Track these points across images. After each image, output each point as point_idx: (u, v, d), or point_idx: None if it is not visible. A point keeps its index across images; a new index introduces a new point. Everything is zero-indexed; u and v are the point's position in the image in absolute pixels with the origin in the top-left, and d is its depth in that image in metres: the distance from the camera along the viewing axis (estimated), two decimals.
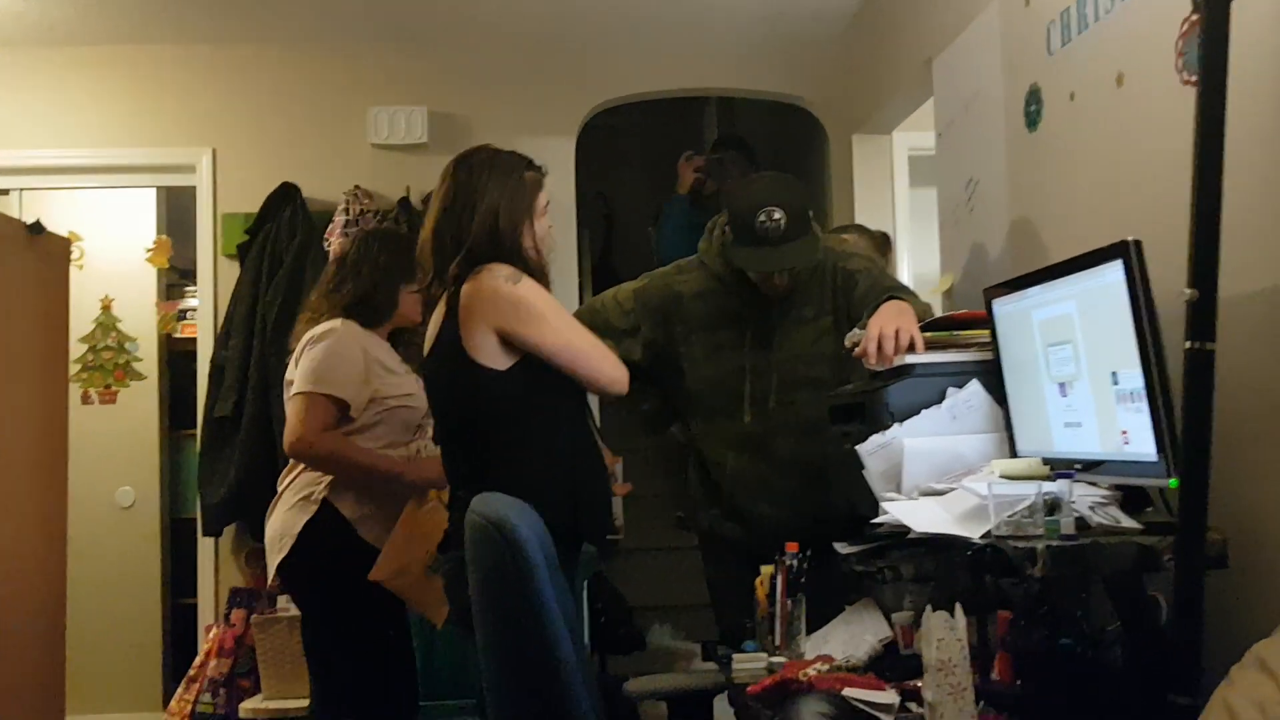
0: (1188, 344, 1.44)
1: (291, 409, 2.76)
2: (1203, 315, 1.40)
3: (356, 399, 2.76)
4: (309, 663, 2.92)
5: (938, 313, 2.62)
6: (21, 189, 4.40)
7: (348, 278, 2.88)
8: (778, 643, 2.37)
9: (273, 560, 2.78)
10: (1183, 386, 1.47)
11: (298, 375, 2.77)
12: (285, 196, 4.12)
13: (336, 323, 2.81)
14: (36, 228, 3.61)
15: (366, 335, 2.84)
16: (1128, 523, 1.76)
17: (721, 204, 4.56)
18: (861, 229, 3.87)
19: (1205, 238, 1.40)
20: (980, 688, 1.74)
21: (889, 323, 2.28)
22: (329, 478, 2.74)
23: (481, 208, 2.34)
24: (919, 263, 4.36)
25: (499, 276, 2.31)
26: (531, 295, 2.33)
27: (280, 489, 2.83)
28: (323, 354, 2.75)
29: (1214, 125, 1.40)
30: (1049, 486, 1.74)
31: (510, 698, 1.87)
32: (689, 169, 4.45)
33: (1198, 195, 1.42)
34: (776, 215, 2.51)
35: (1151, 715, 1.56)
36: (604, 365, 2.39)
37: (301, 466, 2.78)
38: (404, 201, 4.13)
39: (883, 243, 3.93)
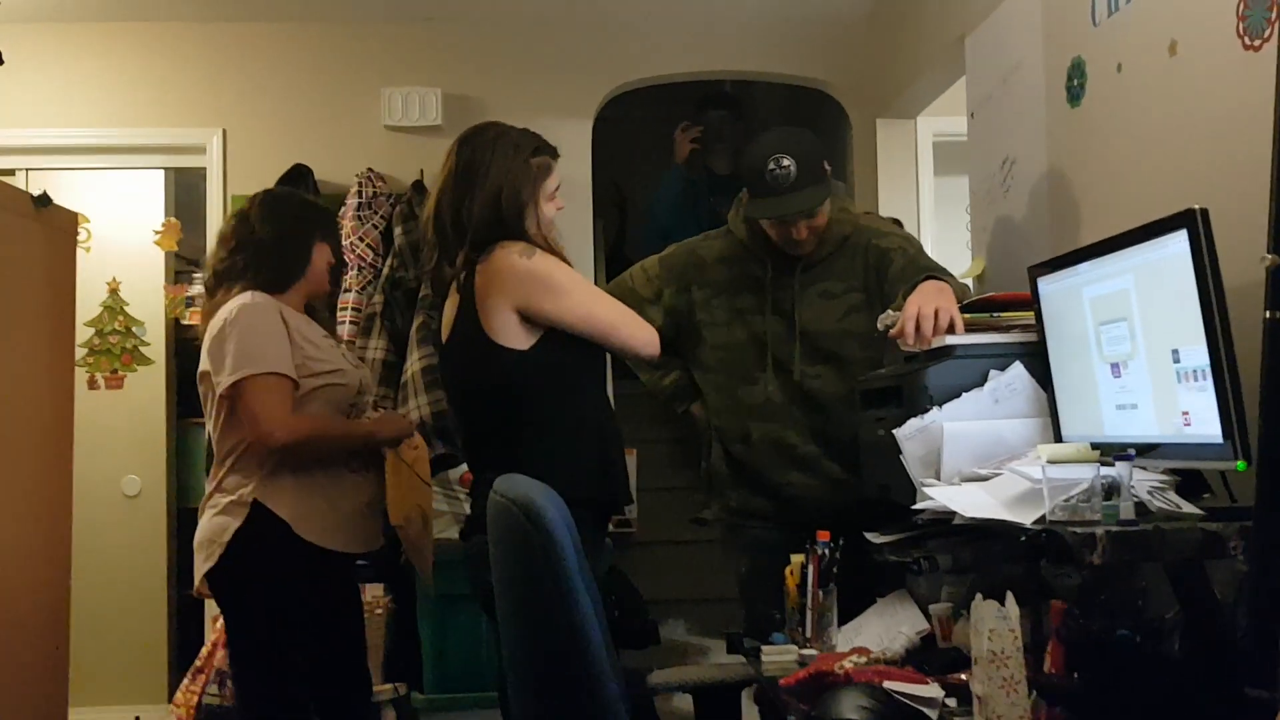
0: (1268, 313, 1.35)
1: (246, 399, 2.45)
2: None
3: (294, 374, 2.51)
4: (234, 675, 2.76)
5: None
6: (28, 169, 4.30)
7: (238, 247, 2.60)
8: (809, 634, 2.28)
9: (200, 568, 2.54)
10: (1261, 360, 1.38)
11: (229, 362, 2.46)
12: (297, 179, 4.03)
13: (246, 296, 2.52)
14: (43, 200, 3.53)
15: (280, 304, 2.56)
16: (1189, 508, 1.66)
17: (719, 171, 4.52)
18: (876, 217, 3.79)
19: None
20: (1033, 680, 1.65)
21: (928, 303, 2.20)
22: (257, 478, 2.49)
23: (484, 188, 2.27)
24: (943, 251, 4.27)
25: (512, 253, 2.25)
26: (548, 268, 2.26)
27: (208, 489, 2.60)
28: (247, 332, 2.47)
29: None
30: (1106, 470, 1.65)
31: (536, 681, 1.79)
32: (685, 138, 4.37)
33: (1278, 156, 1.32)
34: (785, 163, 2.47)
35: (1223, 709, 1.47)
36: (635, 330, 2.36)
37: (229, 465, 2.53)
38: (418, 184, 4.04)
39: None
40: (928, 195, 4.26)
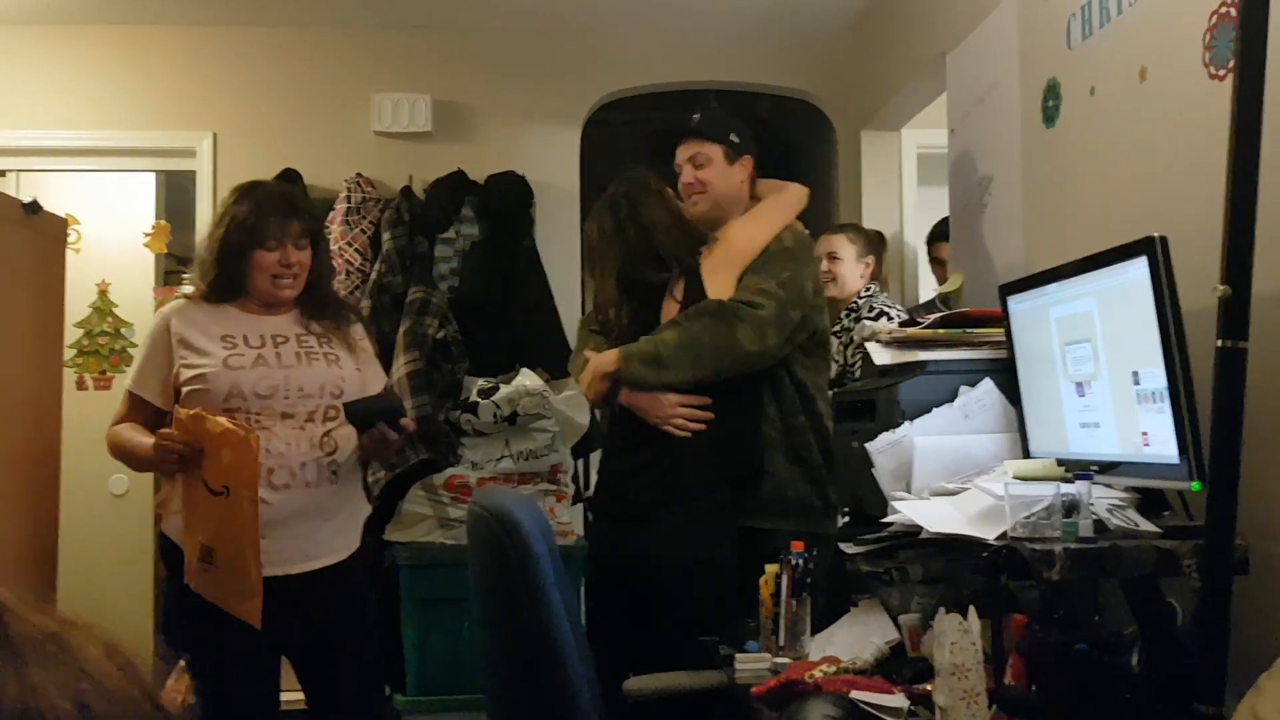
0: (1220, 342, 1.39)
1: None
2: (1235, 313, 1.36)
3: (159, 392, 2.41)
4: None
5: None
6: (19, 170, 4.34)
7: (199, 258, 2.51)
8: (781, 643, 2.32)
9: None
10: (1213, 386, 1.42)
11: None
12: (287, 183, 4.06)
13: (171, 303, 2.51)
14: (33, 207, 3.56)
15: (199, 310, 2.44)
16: (1146, 526, 1.71)
17: None
18: (856, 228, 3.84)
19: (1240, 233, 1.36)
20: (993, 692, 1.69)
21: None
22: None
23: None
24: (925, 262, 4.32)
25: None
26: None
27: None
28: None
29: (1251, 117, 1.36)
30: (1067, 488, 1.70)
31: (511, 689, 1.83)
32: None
33: (1233, 189, 1.37)
34: (695, 115, 2.77)
35: None
36: None
37: None
38: (407, 190, 4.08)
39: (877, 241, 3.89)
40: (911, 206, 4.30)
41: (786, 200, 2.75)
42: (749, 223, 2.70)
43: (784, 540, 2.57)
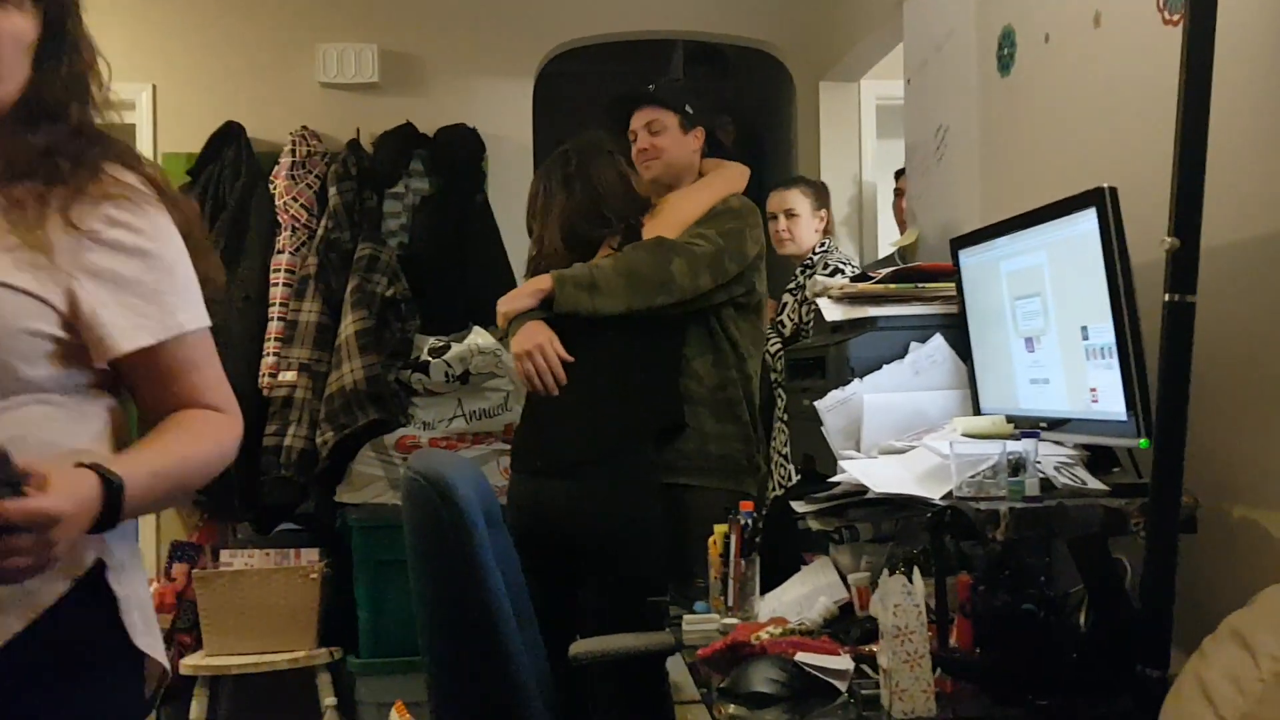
0: (1167, 296, 1.35)
1: None
2: (1184, 266, 1.31)
3: None
4: None
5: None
6: None
7: None
8: (730, 603, 2.29)
9: None
10: (1160, 342, 1.38)
11: None
12: (229, 136, 3.95)
13: None
14: None
15: None
16: (1094, 484, 1.68)
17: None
18: (808, 181, 3.79)
19: (1188, 184, 1.31)
20: (938, 655, 1.66)
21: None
22: None
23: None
24: (886, 216, 4.28)
25: None
26: None
27: None
28: None
29: (1201, 66, 1.30)
30: (1013, 446, 1.66)
31: (448, 655, 1.78)
32: None
33: (1182, 139, 1.32)
34: (650, 86, 2.85)
35: (1119, 687, 1.49)
36: None
37: None
38: (354, 143, 3.97)
39: (825, 193, 3.85)
40: (870, 158, 4.24)
41: (730, 176, 2.82)
42: (693, 192, 2.76)
43: (708, 497, 2.60)
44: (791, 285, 3.62)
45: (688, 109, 2.81)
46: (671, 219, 2.68)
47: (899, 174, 4.04)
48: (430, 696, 1.83)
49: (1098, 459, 1.78)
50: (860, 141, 4.21)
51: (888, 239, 4.21)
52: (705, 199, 2.72)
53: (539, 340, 2.55)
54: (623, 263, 2.56)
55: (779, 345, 3.53)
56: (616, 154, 2.74)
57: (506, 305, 2.66)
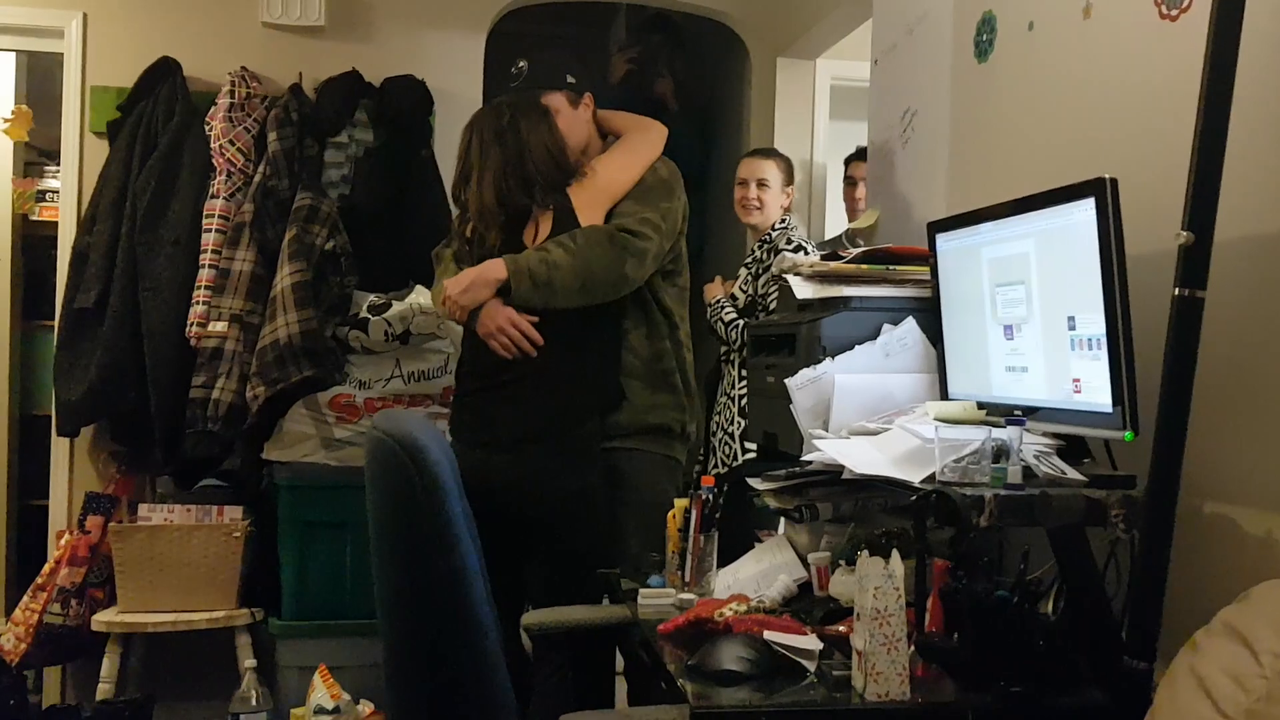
0: (1176, 291, 1.35)
1: None
2: (1196, 261, 1.31)
3: None
4: None
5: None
6: None
7: None
8: (687, 579, 2.27)
9: None
10: (1167, 336, 1.38)
11: None
12: (163, 72, 3.76)
13: None
14: None
15: None
16: (1073, 474, 1.68)
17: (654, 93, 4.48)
18: (780, 154, 3.76)
19: (1205, 180, 1.30)
20: (913, 638, 1.66)
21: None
22: None
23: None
24: (835, 198, 4.28)
25: None
26: None
27: None
28: None
29: (1223, 64, 1.30)
30: (998, 432, 1.66)
31: (413, 625, 1.72)
32: (622, 60, 4.28)
33: (1201, 135, 1.31)
34: (521, 64, 2.75)
35: (1103, 678, 1.49)
36: None
37: None
38: (296, 88, 3.81)
39: (791, 170, 3.83)
40: (822, 138, 4.23)
41: (654, 138, 2.79)
42: (619, 156, 2.74)
43: (639, 460, 2.70)
44: (748, 259, 3.59)
45: (569, 79, 2.76)
46: (603, 191, 2.67)
47: (849, 160, 4.05)
48: (387, 666, 1.77)
49: (1069, 449, 1.79)
50: (814, 121, 4.19)
51: (836, 223, 4.21)
52: (633, 166, 2.71)
53: (505, 318, 2.56)
54: (580, 261, 2.54)
55: (734, 316, 3.51)
56: (552, 118, 2.68)
57: (464, 298, 2.59)
